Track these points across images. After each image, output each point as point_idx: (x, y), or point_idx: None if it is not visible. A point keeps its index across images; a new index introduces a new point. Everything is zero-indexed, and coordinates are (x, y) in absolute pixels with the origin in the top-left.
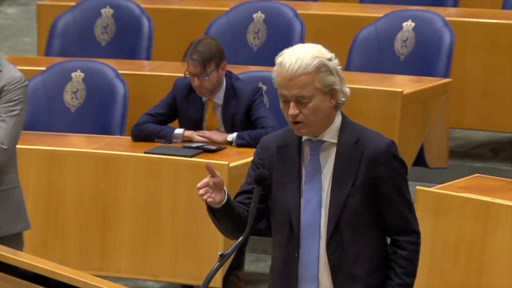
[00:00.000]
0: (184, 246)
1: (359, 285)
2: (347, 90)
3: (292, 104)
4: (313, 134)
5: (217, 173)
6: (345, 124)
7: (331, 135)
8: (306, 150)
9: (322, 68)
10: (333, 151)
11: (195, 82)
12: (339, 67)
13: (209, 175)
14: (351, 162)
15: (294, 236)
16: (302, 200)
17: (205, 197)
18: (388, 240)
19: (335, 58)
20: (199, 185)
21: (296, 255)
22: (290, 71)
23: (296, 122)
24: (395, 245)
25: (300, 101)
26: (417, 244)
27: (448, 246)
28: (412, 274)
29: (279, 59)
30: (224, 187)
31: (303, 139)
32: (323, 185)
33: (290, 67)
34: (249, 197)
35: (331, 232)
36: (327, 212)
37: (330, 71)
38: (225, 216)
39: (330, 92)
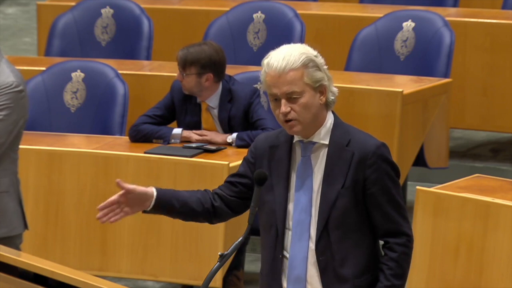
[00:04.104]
0: (184, 246)
1: (347, 286)
2: (335, 90)
3: (283, 101)
4: (305, 134)
5: (129, 186)
6: (337, 125)
7: (322, 136)
8: (297, 151)
9: (309, 64)
10: (324, 152)
11: (177, 75)
12: (326, 66)
13: (121, 192)
14: (341, 164)
15: (282, 236)
16: (292, 200)
17: (103, 219)
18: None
19: (321, 56)
20: (98, 206)
21: (284, 255)
22: (278, 69)
23: (288, 121)
24: (385, 247)
25: (290, 98)
26: (407, 246)
27: (448, 246)
28: (401, 276)
29: (265, 60)
30: (153, 189)
31: (294, 140)
32: (313, 185)
33: (277, 65)
34: (231, 188)
35: (320, 232)
36: (317, 212)
37: (317, 66)
38: (163, 212)
39: (320, 88)
